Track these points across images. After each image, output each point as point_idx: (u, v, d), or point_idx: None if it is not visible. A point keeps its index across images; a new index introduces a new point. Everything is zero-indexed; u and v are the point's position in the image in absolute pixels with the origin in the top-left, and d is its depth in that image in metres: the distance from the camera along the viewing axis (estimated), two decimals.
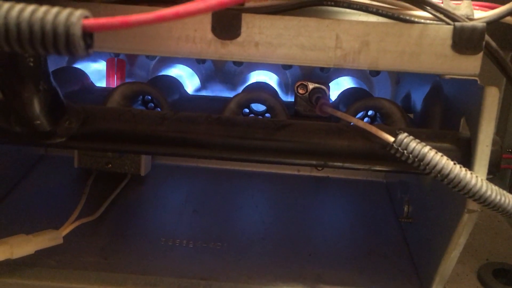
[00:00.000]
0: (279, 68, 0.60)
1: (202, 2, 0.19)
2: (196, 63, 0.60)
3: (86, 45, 0.20)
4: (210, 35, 0.33)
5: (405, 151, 0.32)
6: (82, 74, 0.53)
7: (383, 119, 0.44)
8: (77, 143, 0.36)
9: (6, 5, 0.19)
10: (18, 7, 0.19)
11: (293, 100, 0.50)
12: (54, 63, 0.54)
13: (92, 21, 0.20)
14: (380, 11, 0.34)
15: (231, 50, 0.34)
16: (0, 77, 0.32)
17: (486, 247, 0.49)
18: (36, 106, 0.33)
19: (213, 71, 0.61)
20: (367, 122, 0.51)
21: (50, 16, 0.19)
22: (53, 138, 0.35)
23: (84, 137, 0.36)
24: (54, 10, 0.20)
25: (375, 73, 0.59)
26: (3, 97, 0.33)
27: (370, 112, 0.52)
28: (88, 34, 0.20)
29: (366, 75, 0.59)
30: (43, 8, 0.20)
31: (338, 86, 0.58)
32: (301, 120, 0.43)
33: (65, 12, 0.20)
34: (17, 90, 0.32)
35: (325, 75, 0.58)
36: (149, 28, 0.33)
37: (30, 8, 0.20)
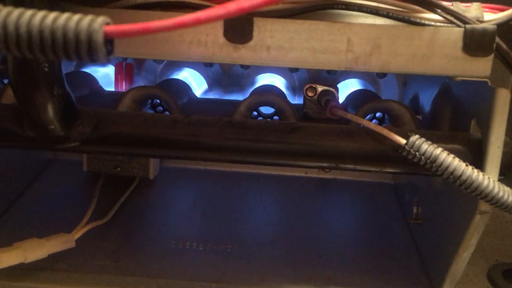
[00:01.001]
0: (286, 71, 0.60)
1: (222, 8, 0.20)
2: (203, 66, 0.60)
3: (107, 51, 0.20)
4: (222, 39, 0.33)
5: (417, 153, 0.32)
6: (91, 79, 0.54)
7: (392, 121, 0.44)
8: (90, 147, 0.36)
9: (29, 13, 0.20)
10: (40, 14, 0.20)
11: (300, 102, 0.51)
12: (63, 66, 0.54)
13: (113, 28, 0.20)
14: (390, 14, 0.34)
15: (243, 54, 0.34)
16: (14, 83, 0.32)
17: (496, 248, 0.49)
18: (50, 111, 0.33)
19: (220, 74, 0.61)
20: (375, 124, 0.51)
21: (72, 23, 0.20)
22: (66, 142, 0.36)
23: (97, 141, 0.36)
24: (76, 17, 0.20)
25: (382, 75, 0.59)
26: (17, 102, 0.34)
27: (378, 114, 0.52)
28: (109, 41, 0.20)
29: (373, 77, 0.59)
30: (65, 15, 0.20)
31: (345, 88, 0.58)
32: (311, 122, 0.43)
33: (87, 18, 0.20)
34: (31, 95, 0.33)
35: (332, 77, 0.59)
36: (161, 33, 0.34)
37: (52, 15, 0.20)
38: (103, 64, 0.58)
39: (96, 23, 0.20)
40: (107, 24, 0.20)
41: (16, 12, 0.20)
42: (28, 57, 0.20)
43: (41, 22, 0.20)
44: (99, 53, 0.20)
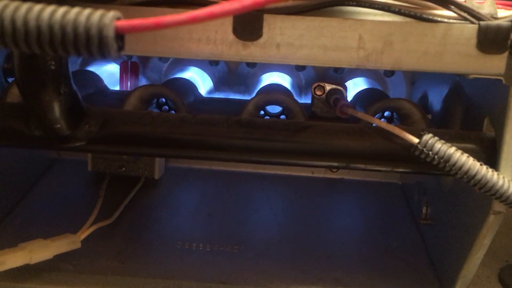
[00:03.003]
0: (293, 70, 0.59)
1: (237, 2, 0.19)
2: (209, 65, 0.60)
3: (118, 47, 0.20)
4: (231, 37, 0.33)
5: (430, 152, 0.32)
6: (96, 77, 0.53)
7: (402, 120, 0.44)
8: (96, 147, 0.36)
9: (38, 7, 0.19)
10: (50, 8, 0.19)
11: (306, 101, 0.50)
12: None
13: (124, 23, 0.19)
14: (402, 10, 0.33)
15: (253, 52, 0.33)
16: (21, 81, 0.32)
17: (506, 249, 0.49)
18: (57, 110, 0.33)
19: (226, 73, 0.60)
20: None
21: (82, 18, 0.19)
22: (73, 141, 0.35)
23: (103, 140, 0.36)
24: (86, 11, 0.19)
25: (390, 73, 0.58)
26: (23, 100, 0.33)
27: (386, 113, 0.52)
28: (120, 36, 0.20)
29: (380, 76, 0.59)
30: (75, 10, 0.19)
31: (353, 87, 0.58)
32: (319, 121, 0.43)
33: (98, 13, 0.19)
34: (38, 93, 0.32)
35: (339, 76, 0.58)
36: (169, 30, 0.33)
37: (62, 9, 0.19)
38: (113, 60, 0.58)
39: (107, 18, 0.19)
40: (118, 18, 0.19)
41: (25, 6, 0.19)
42: (37, 53, 0.20)
43: (50, 17, 0.19)
44: (110, 49, 0.19)
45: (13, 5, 0.19)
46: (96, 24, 0.19)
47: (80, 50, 0.19)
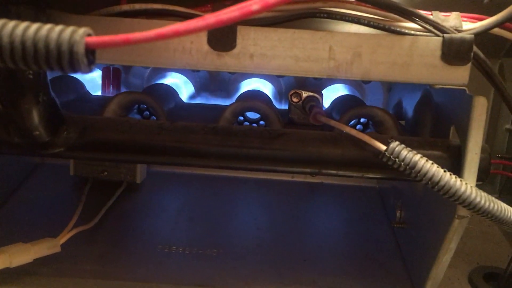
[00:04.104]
0: (273, 76, 0.60)
1: (201, 20, 0.20)
2: (190, 71, 0.60)
3: (89, 62, 0.21)
4: (206, 47, 0.34)
5: (396, 159, 0.33)
6: (78, 83, 0.54)
7: (376, 127, 0.45)
8: (75, 153, 0.37)
9: (11, 24, 0.20)
10: (23, 25, 0.20)
11: (286, 107, 0.51)
12: (50, 72, 0.54)
13: (94, 39, 0.20)
14: (372, 23, 0.35)
15: (227, 62, 0.34)
16: (0, 89, 0.33)
17: (477, 252, 0.50)
18: (35, 117, 0.34)
19: (207, 79, 0.61)
20: (359, 129, 0.52)
21: (54, 34, 0.20)
22: (52, 148, 0.36)
23: (82, 147, 0.36)
24: (58, 28, 0.20)
25: (367, 80, 0.60)
26: (2, 108, 0.34)
27: (362, 120, 0.53)
28: (90, 51, 0.21)
29: (358, 83, 0.60)
30: (47, 26, 0.20)
31: (332, 93, 0.59)
32: (295, 128, 0.44)
33: (69, 30, 0.20)
34: (16, 101, 0.33)
35: (319, 82, 0.59)
36: None
37: (35, 26, 0.20)
38: (86, 73, 0.58)
39: (77, 34, 0.20)
40: (89, 35, 0.20)
41: None
42: (11, 68, 0.21)
43: (23, 33, 0.20)
44: (81, 64, 0.20)
45: None
46: (67, 41, 0.20)
47: (52, 65, 0.20)
